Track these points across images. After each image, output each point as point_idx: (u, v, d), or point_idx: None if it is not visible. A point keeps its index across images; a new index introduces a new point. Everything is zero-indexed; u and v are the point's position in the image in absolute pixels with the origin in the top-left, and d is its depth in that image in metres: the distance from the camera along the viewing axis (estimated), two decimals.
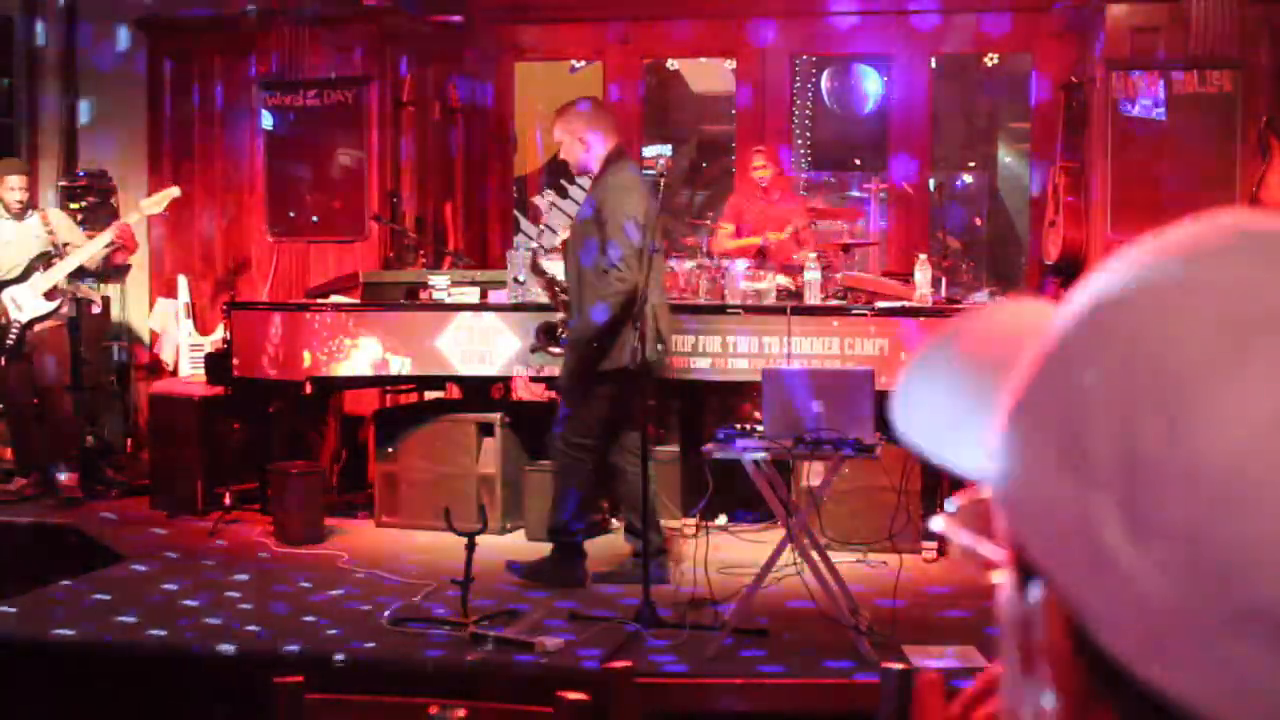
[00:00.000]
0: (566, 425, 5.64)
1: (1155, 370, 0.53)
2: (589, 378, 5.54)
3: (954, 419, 0.65)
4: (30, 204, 7.63)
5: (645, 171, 9.50)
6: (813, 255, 6.85)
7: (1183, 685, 0.52)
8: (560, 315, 5.90)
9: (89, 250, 7.41)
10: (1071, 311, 0.58)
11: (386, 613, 5.09)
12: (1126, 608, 0.53)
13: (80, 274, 7.54)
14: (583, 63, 9.97)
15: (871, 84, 10.61)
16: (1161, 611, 0.52)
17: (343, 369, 6.79)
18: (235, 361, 6.98)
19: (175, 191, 7.66)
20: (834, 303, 6.68)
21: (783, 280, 6.81)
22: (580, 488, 5.66)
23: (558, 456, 5.76)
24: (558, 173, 11.08)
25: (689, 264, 7.08)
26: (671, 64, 10.56)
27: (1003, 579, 0.65)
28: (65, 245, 7.47)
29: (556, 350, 5.95)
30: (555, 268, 6.69)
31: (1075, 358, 0.56)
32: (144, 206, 7.60)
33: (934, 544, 6.19)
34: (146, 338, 8.75)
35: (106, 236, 7.43)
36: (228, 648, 4.74)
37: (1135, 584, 0.52)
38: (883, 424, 4.89)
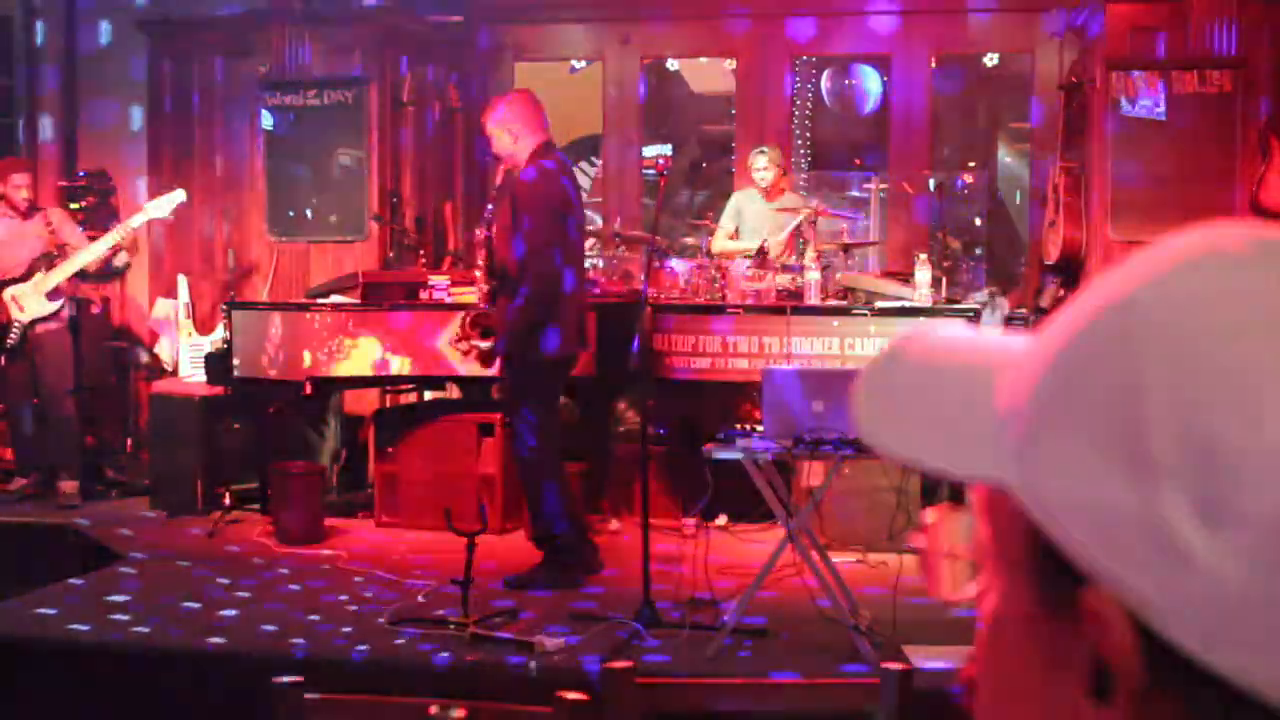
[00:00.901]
0: (520, 425, 5.59)
1: (1217, 367, 0.54)
2: (529, 371, 5.55)
3: (928, 424, 0.65)
4: (36, 204, 7.63)
5: (645, 172, 9.53)
6: (812, 255, 6.85)
7: (1256, 671, 0.53)
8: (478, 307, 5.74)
9: (94, 252, 7.39)
10: (1092, 317, 0.59)
11: (386, 613, 5.09)
12: (1197, 596, 0.54)
13: (81, 275, 7.53)
14: (583, 63, 9.97)
15: (871, 84, 10.61)
16: (1236, 598, 0.53)
17: (343, 369, 6.79)
18: (235, 361, 6.98)
19: (181, 195, 7.63)
20: (834, 303, 6.68)
21: (783, 280, 6.81)
22: (552, 485, 5.62)
23: (519, 461, 5.67)
24: None
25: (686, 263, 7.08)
26: (671, 64, 10.56)
27: (987, 586, 0.65)
28: (64, 245, 7.46)
29: (485, 344, 5.83)
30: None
31: (1117, 360, 0.57)
32: (149, 209, 7.57)
33: None
34: (146, 338, 8.75)
35: (112, 238, 7.40)
36: (227, 648, 4.74)
37: (1208, 572, 0.53)
38: None
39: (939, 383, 0.65)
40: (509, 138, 5.62)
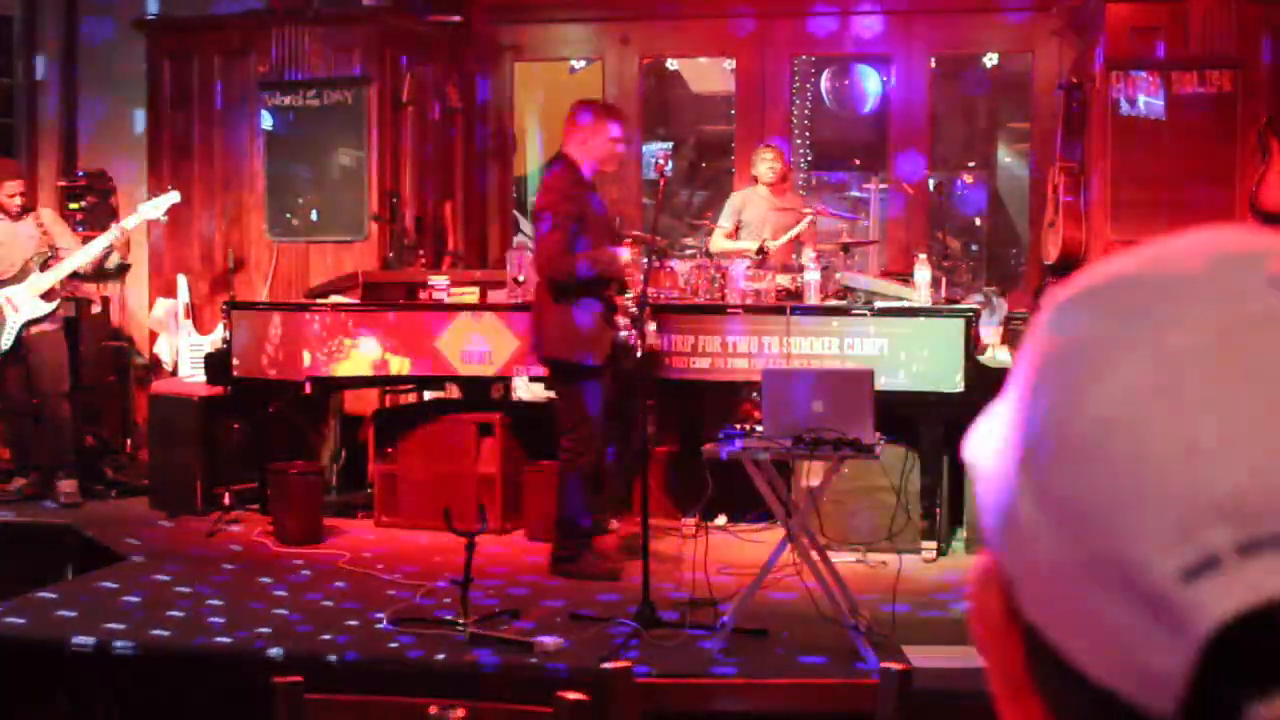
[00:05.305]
0: None
1: (1078, 341, 0.56)
2: None
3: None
4: (29, 205, 7.61)
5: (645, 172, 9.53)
6: (812, 255, 6.85)
7: (1065, 640, 0.54)
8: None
9: (87, 254, 7.36)
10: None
11: (386, 613, 5.09)
12: (1025, 564, 0.56)
13: (75, 276, 7.50)
14: (583, 63, 9.97)
15: (871, 84, 10.61)
16: (1047, 568, 0.54)
17: (343, 369, 6.79)
18: (235, 361, 6.98)
19: (175, 196, 7.61)
20: (833, 303, 6.68)
21: (783, 280, 6.81)
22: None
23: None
24: None
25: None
26: (671, 64, 10.56)
27: None
28: (56, 246, 7.43)
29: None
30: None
31: (1030, 339, 0.59)
32: (143, 210, 7.55)
33: (933, 544, 6.20)
34: (146, 337, 8.74)
35: (105, 240, 7.38)
36: (227, 648, 4.74)
37: (1032, 541, 0.55)
38: (882, 424, 4.89)
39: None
40: None
